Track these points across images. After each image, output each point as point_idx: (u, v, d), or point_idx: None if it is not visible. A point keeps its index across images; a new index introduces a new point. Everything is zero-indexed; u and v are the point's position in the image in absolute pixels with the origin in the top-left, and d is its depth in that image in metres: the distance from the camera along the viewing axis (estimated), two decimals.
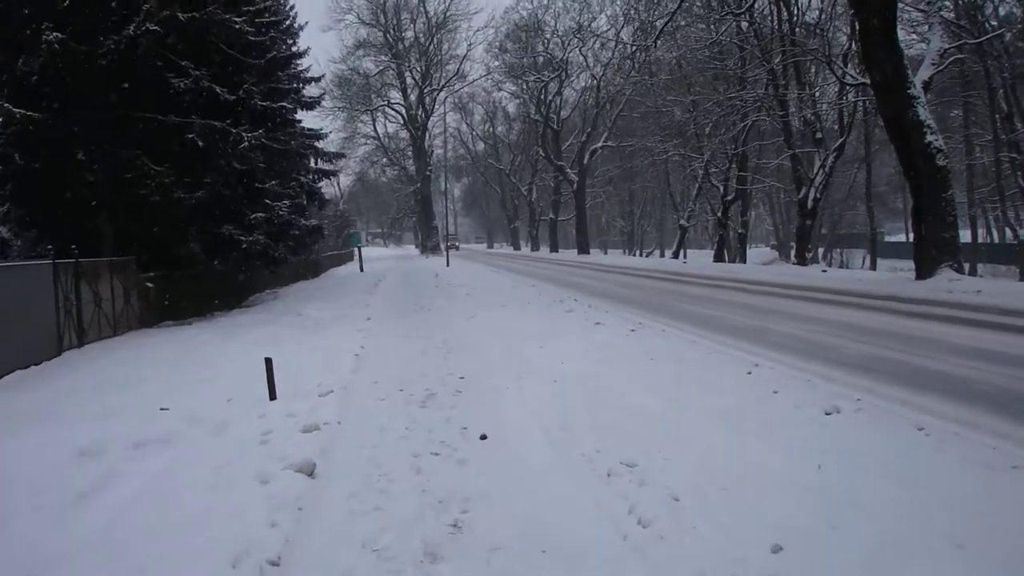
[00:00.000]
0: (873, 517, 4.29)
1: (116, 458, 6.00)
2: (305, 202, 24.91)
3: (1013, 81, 30.66)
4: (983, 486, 4.64)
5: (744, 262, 38.11)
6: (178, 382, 9.28)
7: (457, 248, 68.01)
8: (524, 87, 58.97)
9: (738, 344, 10.65)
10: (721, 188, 38.09)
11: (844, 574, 3.72)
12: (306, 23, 26.06)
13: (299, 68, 25.56)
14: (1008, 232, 37.08)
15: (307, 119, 28.50)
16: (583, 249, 55.15)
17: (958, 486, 4.65)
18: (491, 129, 76.88)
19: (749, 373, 8.36)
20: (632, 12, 43.17)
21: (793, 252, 36.08)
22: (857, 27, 20.94)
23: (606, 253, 68.13)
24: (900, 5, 21.04)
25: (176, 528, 4.57)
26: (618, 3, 46.50)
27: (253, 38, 17.97)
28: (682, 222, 45.88)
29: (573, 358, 9.66)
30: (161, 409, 7.63)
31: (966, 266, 23.06)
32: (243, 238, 17.90)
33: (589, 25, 50.93)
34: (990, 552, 3.80)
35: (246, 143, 16.48)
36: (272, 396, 7.95)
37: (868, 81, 20.98)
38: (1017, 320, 11.57)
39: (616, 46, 46.28)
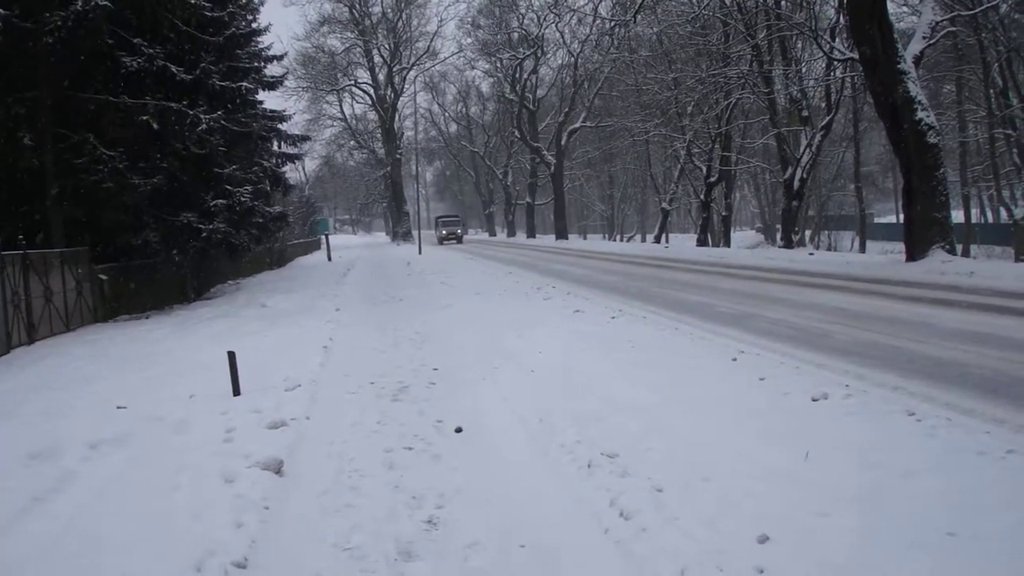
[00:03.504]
0: (862, 506, 4.34)
1: (70, 460, 5.93)
2: (268, 188, 24.60)
3: (1008, 55, 30.90)
4: (975, 473, 4.70)
5: (728, 246, 38.31)
6: (136, 379, 9.21)
7: (459, 239, 61.02)
8: (498, 65, 58.75)
9: (723, 331, 10.73)
10: (704, 169, 38.21)
11: (832, 564, 3.76)
12: None
13: (260, 46, 25.17)
14: (1003, 212, 37.54)
15: (269, 100, 28.34)
16: (561, 234, 55.13)
17: (949, 473, 4.71)
18: (464, 110, 76.65)
19: (734, 360, 8.43)
20: None
21: (779, 235, 36.38)
22: None
23: (585, 238, 68.24)
24: None
25: (136, 532, 4.54)
26: None
27: (210, 14, 17.73)
28: (664, 205, 46.05)
29: (552, 347, 9.69)
30: (118, 407, 7.56)
31: (958, 247, 23.36)
32: (203, 226, 17.69)
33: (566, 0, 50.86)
34: (981, 540, 3.85)
35: (204, 125, 16.28)
36: (236, 392, 7.91)
37: (856, 56, 21.12)
38: (1010, 302, 11.74)
39: (594, 21, 45.97)
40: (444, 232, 60.22)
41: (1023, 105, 31.43)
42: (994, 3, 29.71)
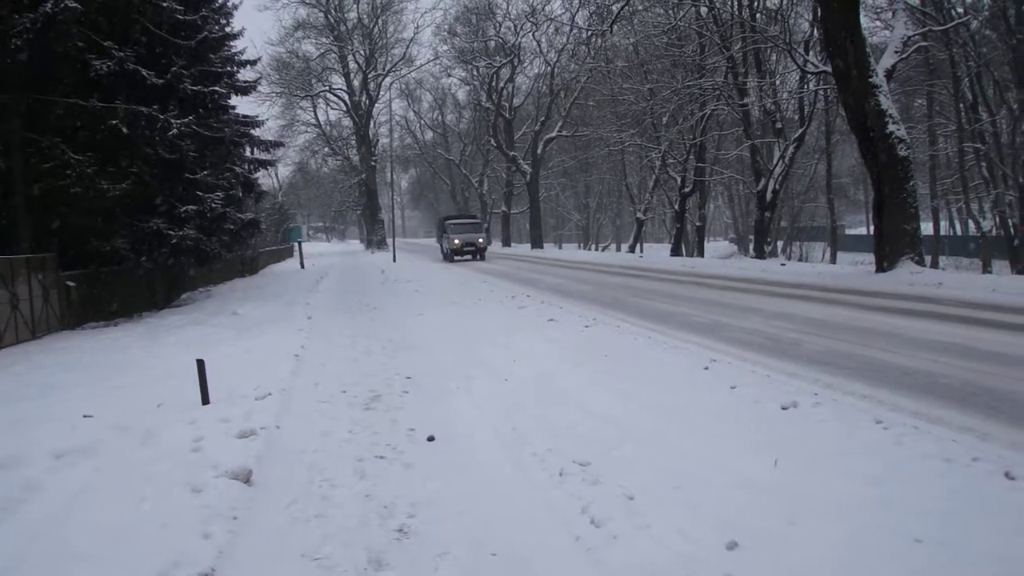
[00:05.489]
0: (831, 513, 4.40)
1: (36, 470, 5.83)
2: (241, 194, 24.46)
3: (979, 70, 31.40)
4: (942, 480, 4.77)
5: (702, 256, 38.55)
6: (103, 387, 9.08)
7: (481, 254, 39.87)
8: (475, 73, 58.74)
9: (695, 339, 10.80)
10: (679, 179, 38.48)
11: (801, 571, 3.81)
12: (240, 2, 25.46)
13: (233, 50, 25.02)
14: (971, 224, 38.03)
15: (242, 105, 28.02)
16: (537, 243, 55.13)
17: (917, 480, 4.78)
18: (440, 117, 76.55)
19: (706, 369, 8.48)
20: None
21: (752, 245, 36.66)
22: (819, 13, 21.31)
23: (560, 247, 68.36)
24: None
25: (102, 542, 4.49)
26: None
27: (182, 17, 17.63)
28: (639, 215, 46.26)
29: (525, 356, 9.71)
30: (84, 416, 7.45)
31: (927, 259, 23.62)
32: (173, 232, 17.51)
33: (543, 8, 50.81)
34: (948, 546, 3.91)
35: (175, 130, 16.16)
36: (205, 400, 7.85)
37: (829, 69, 21.37)
38: (978, 313, 11.90)
39: (571, 31, 46.28)
40: (458, 242, 39.09)
41: (992, 120, 31.92)
42: (965, 19, 30.27)
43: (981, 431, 5.83)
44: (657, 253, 44.53)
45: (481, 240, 40.38)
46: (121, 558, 4.29)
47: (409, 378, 9.12)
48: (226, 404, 7.69)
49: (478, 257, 39.33)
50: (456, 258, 38.80)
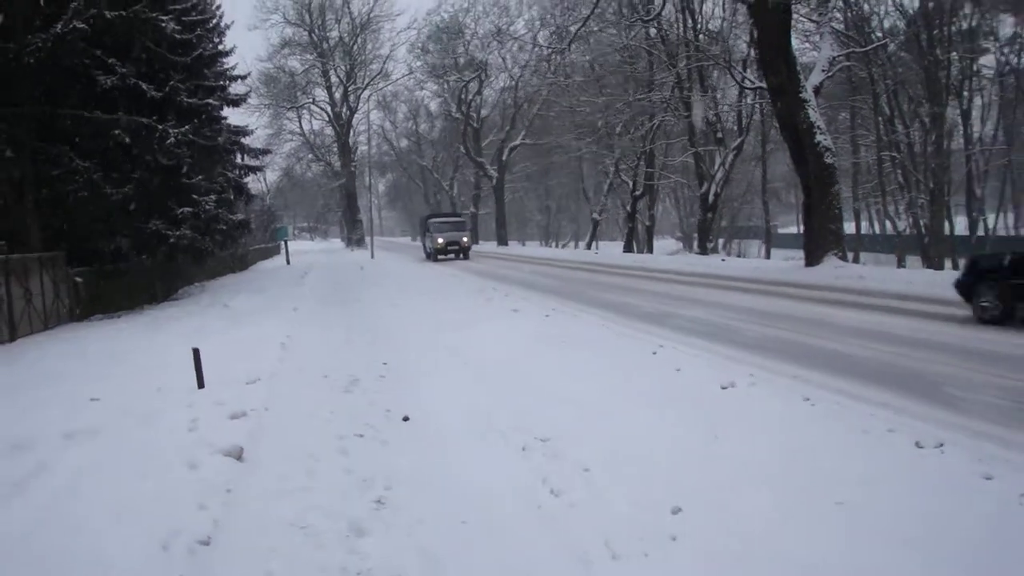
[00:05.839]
0: (764, 480, 4.46)
1: (46, 449, 5.76)
2: (232, 197, 24.20)
3: (895, 87, 31.86)
4: (861, 449, 4.87)
5: (651, 252, 38.68)
6: (108, 374, 8.96)
7: (465, 253, 34.97)
8: (446, 86, 58.39)
9: (645, 327, 10.87)
10: (631, 183, 38.63)
11: (737, 531, 3.86)
12: (232, 22, 25.19)
13: (225, 66, 24.78)
14: (888, 224, 38.58)
15: (233, 116, 27.81)
16: (502, 241, 55.08)
17: (839, 450, 4.86)
18: (414, 126, 75.84)
19: (655, 354, 8.54)
20: (548, 17, 43.23)
21: (696, 243, 36.96)
22: (755, 35, 21.48)
23: (524, 245, 68.24)
24: (794, 16, 21.66)
25: (107, 515, 4.44)
26: (535, 8, 46.54)
27: (180, 36, 17.44)
28: (595, 215, 46.38)
29: (491, 343, 9.69)
30: (91, 400, 7.38)
31: (850, 255, 23.99)
32: (170, 232, 17.38)
33: (508, 29, 50.79)
34: (865, 507, 4.00)
35: (172, 139, 16.00)
36: (200, 385, 7.77)
37: (765, 85, 21.59)
38: (894, 302, 12.12)
39: (533, 49, 46.15)
40: (441, 241, 34.50)
41: (907, 131, 32.39)
42: (883, 42, 30.69)
43: (896, 406, 5.95)
44: (611, 250, 44.71)
45: (465, 239, 35.54)
46: (126, 528, 4.24)
47: (385, 364, 9.07)
48: (219, 388, 7.60)
49: (462, 256, 34.66)
50: (440, 257, 34.24)
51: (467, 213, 60.20)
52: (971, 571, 3.41)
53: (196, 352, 7.91)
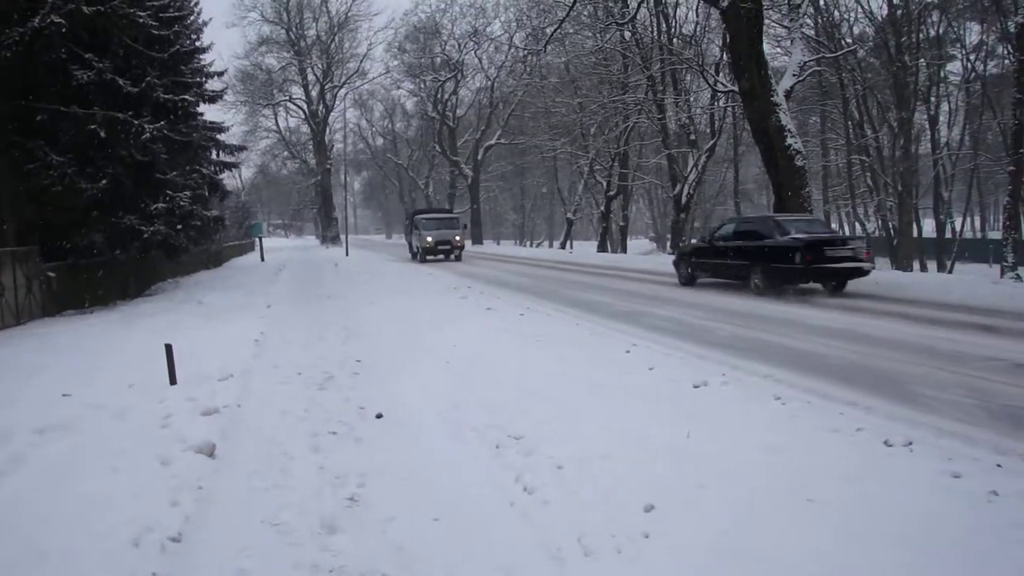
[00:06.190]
0: (735, 478, 4.48)
1: (19, 444, 5.65)
2: (207, 193, 23.95)
3: (864, 92, 32.31)
4: (831, 448, 4.91)
5: (625, 252, 38.87)
6: (81, 369, 8.82)
7: (457, 254, 31.90)
8: (422, 86, 58.29)
9: (618, 326, 10.90)
10: (605, 184, 38.80)
11: (709, 528, 3.88)
12: (210, 19, 25.02)
13: (203, 63, 24.52)
14: (858, 226, 39.08)
15: (210, 112, 27.42)
16: (477, 240, 55.00)
17: (809, 448, 4.90)
18: (390, 125, 75.66)
19: (628, 352, 8.57)
20: (524, 19, 43.29)
21: (669, 243, 37.18)
22: (728, 40, 21.62)
23: (499, 244, 68.29)
24: (766, 21, 21.84)
25: (79, 510, 4.37)
26: (511, 10, 46.54)
27: (157, 32, 17.26)
28: (569, 215, 46.53)
29: (466, 341, 9.66)
30: (64, 395, 7.26)
31: None
32: (144, 228, 17.14)
33: (484, 30, 50.85)
34: (835, 505, 4.03)
35: (148, 135, 15.83)
36: (173, 381, 7.66)
37: (737, 89, 21.71)
38: (864, 303, 12.27)
39: (509, 50, 46.32)
40: (431, 240, 31.28)
41: (876, 136, 32.83)
42: (853, 48, 31.07)
43: (865, 405, 6.01)
44: (585, 249, 44.83)
45: (457, 238, 32.00)
46: (99, 523, 4.18)
47: (359, 361, 9.02)
48: (192, 385, 7.50)
49: (453, 258, 31.50)
50: (428, 258, 31.09)
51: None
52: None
53: (169, 348, 7.81)
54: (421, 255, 31.58)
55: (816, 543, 3.65)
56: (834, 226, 43.53)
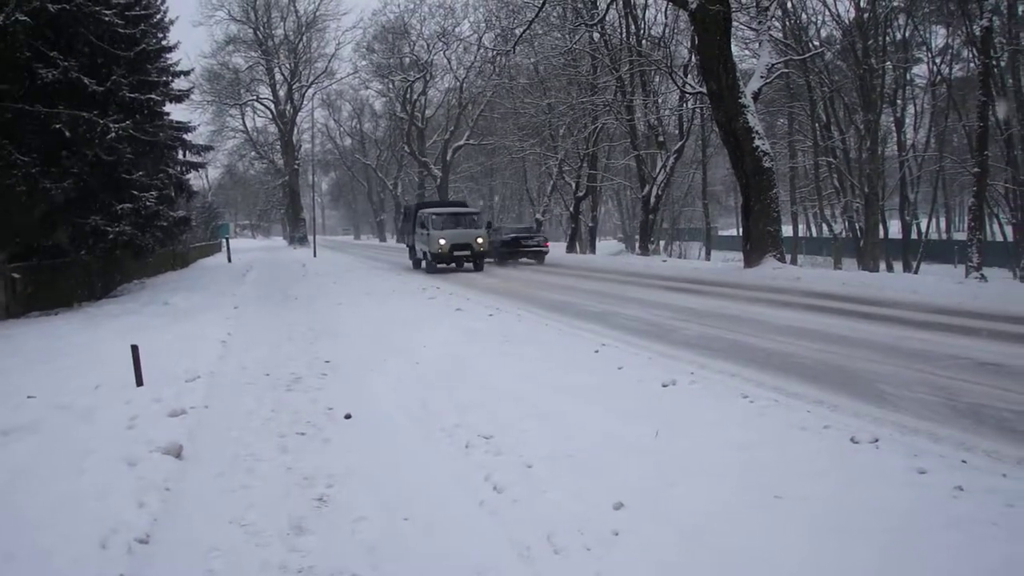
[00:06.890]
0: (704, 475, 4.52)
1: None
2: (173, 194, 23.71)
3: (832, 94, 32.69)
4: (799, 445, 4.97)
5: (594, 252, 38.95)
6: (45, 370, 8.72)
7: (478, 261, 24.02)
8: (391, 86, 57.96)
9: (587, 326, 10.95)
10: (574, 185, 38.89)
11: (678, 526, 3.91)
12: (177, 18, 24.89)
13: (169, 62, 24.37)
14: (825, 227, 39.56)
15: (176, 112, 27.12)
16: None
17: (777, 446, 4.96)
18: (358, 125, 75.26)
19: (597, 352, 8.61)
20: (493, 19, 43.16)
21: (637, 244, 37.39)
22: (696, 42, 21.81)
23: None
24: (734, 24, 22.07)
25: (44, 513, 4.31)
26: (480, 11, 46.44)
27: (123, 30, 17.10)
28: (538, 216, 46.50)
29: (435, 342, 9.65)
30: (28, 397, 7.18)
31: (788, 257, 24.52)
32: (109, 228, 17.01)
33: (453, 30, 50.64)
34: (803, 501, 4.07)
35: (113, 134, 15.63)
36: (139, 382, 7.57)
37: (705, 91, 21.91)
38: (829, 303, 12.43)
39: (478, 50, 46.19)
40: (444, 243, 23.28)
41: (843, 138, 33.25)
42: (820, 51, 31.50)
43: (831, 403, 6.10)
44: (554, 250, 44.74)
45: (480, 240, 23.95)
46: (65, 525, 4.13)
47: (328, 362, 8.96)
48: (159, 386, 7.42)
49: (473, 267, 24.11)
50: (439, 266, 23.91)
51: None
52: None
53: (135, 349, 7.72)
54: (431, 263, 24.03)
55: (785, 539, 3.69)
56: (801, 227, 44.23)
